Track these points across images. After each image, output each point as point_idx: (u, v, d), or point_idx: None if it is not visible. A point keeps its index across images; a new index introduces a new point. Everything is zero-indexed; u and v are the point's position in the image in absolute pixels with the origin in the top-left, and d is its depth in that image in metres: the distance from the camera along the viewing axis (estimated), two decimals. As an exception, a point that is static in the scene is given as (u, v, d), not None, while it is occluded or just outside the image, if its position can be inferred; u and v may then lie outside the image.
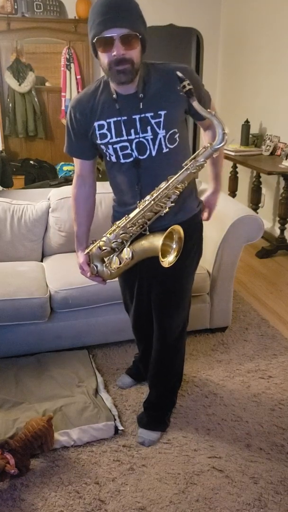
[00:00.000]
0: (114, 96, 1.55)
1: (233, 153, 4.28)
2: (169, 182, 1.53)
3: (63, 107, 5.07)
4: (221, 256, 2.57)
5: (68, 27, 4.80)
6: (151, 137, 1.56)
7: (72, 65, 4.94)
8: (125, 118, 1.55)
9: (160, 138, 1.57)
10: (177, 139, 1.62)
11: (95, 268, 1.73)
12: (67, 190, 2.85)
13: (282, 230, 4.03)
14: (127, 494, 1.75)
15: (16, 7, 4.65)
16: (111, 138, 1.58)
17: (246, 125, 4.39)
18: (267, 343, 2.70)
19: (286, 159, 3.83)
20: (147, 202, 1.56)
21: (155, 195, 1.55)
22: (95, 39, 1.42)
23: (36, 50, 5.08)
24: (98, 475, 1.83)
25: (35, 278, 2.50)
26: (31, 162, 5.00)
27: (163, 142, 1.58)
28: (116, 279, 2.03)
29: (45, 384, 2.29)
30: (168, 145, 1.59)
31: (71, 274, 2.49)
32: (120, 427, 2.03)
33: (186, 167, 1.52)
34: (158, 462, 1.89)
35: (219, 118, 1.43)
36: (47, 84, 5.23)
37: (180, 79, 1.43)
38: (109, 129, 1.57)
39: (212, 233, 2.60)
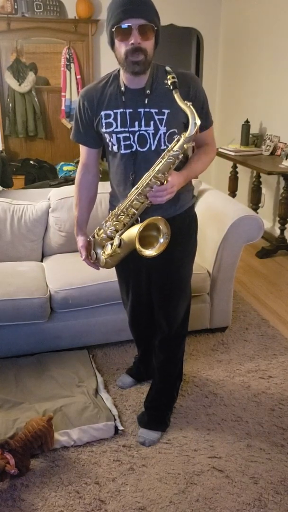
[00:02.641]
0: (122, 89, 1.64)
1: (233, 153, 4.28)
2: (149, 172, 1.59)
3: (63, 107, 5.07)
4: (221, 256, 2.57)
5: (68, 27, 4.80)
6: (153, 131, 1.63)
7: (72, 65, 4.94)
8: (131, 110, 1.63)
9: (161, 134, 1.64)
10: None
11: (94, 254, 1.78)
12: (67, 190, 2.86)
13: (282, 230, 4.03)
14: (127, 494, 1.75)
15: (16, 7, 4.65)
16: (116, 127, 1.66)
17: (246, 125, 4.38)
18: (267, 343, 2.70)
19: (286, 159, 3.83)
20: (134, 192, 1.62)
21: (139, 184, 1.61)
22: (114, 28, 1.51)
23: (36, 50, 5.08)
24: (98, 475, 1.83)
25: (35, 278, 2.50)
26: (31, 162, 5.00)
27: (162, 139, 1.64)
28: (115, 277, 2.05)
29: (45, 384, 2.29)
30: (167, 143, 1.64)
31: (71, 274, 2.49)
32: (120, 427, 2.03)
33: (161, 156, 1.57)
34: (158, 462, 1.89)
35: (193, 109, 1.51)
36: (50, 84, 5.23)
37: (167, 72, 1.54)
38: (115, 119, 1.65)
39: (212, 233, 2.60)
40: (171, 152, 1.55)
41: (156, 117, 1.62)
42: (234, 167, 4.70)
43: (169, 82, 1.52)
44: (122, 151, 1.68)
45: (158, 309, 1.95)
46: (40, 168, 4.92)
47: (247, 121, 4.39)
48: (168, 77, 1.52)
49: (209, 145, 1.78)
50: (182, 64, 6.06)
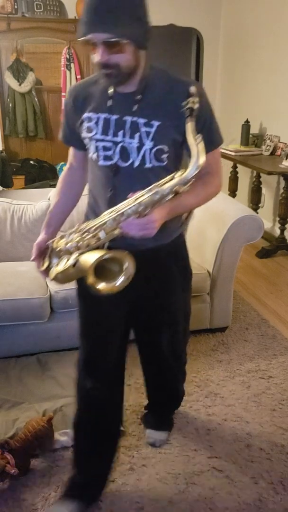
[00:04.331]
0: (110, 91, 1.40)
1: (233, 153, 4.28)
2: (130, 200, 1.30)
3: (63, 107, 5.06)
4: (221, 256, 2.57)
5: (68, 27, 4.80)
6: (137, 145, 1.38)
7: (72, 65, 4.94)
8: (116, 117, 1.40)
9: (145, 150, 1.38)
10: (165, 159, 1.40)
11: (47, 263, 1.53)
12: (67, 190, 2.86)
13: (282, 230, 4.03)
14: (127, 494, 1.75)
15: (16, 7, 4.65)
16: (96, 134, 1.42)
17: (246, 125, 4.39)
18: (267, 343, 2.70)
19: (286, 159, 3.83)
20: (107, 215, 1.35)
21: (115, 208, 1.34)
22: (78, 40, 1.29)
23: (36, 50, 5.07)
24: (98, 475, 1.83)
25: (35, 278, 2.50)
26: (31, 162, 5.00)
27: (148, 156, 1.39)
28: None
29: (45, 384, 2.29)
30: (153, 162, 1.40)
31: (71, 274, 2.49)
32: (120, 428, 2.03)
33: (149, 188, 1.29)
34: (158, 462, 1.89)
35: (200, 147, 1.25)
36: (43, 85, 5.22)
37: (190, 94, 1.27)
38: (96, 124, 1.42)
39: (212, 233, 2.60)
40: (159, 188, 1.27)
41: (143, 129, 1.37)
42: (234, 167, 4.70)
43: (186, 106, 1.26)
44: (101, 162, 1.44)
45: (155, 345, 1.77)
46: (40, 168, 4.92)
47: (247, 121, 4.39)
48: (190, 99, 1.26)
49: (211, 174, 1.46)
50: (182, 64, 6.05)
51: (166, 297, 1.64)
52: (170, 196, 1.28)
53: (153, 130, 1.36)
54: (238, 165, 4.57)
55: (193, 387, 2.32)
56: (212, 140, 1.41)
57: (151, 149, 1.38)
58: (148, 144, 1.37)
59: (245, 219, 2.53)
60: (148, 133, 1.37)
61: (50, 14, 4.76)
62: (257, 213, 4.13)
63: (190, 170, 1.24)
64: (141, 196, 1.28)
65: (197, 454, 1.93)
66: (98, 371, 1.64)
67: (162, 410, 2.05)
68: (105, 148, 1.42)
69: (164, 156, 1.39)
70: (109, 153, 1.41)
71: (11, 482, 1.79)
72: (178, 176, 1.26)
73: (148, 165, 1.39)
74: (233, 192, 4.79)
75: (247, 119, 4.40)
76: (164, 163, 1.40)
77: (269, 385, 2.34)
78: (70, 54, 4.91)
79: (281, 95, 4.17)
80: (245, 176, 4.78)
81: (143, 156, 1.39)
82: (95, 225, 1.36)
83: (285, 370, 2.46)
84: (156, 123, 1.36)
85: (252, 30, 4.58)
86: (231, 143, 4.55)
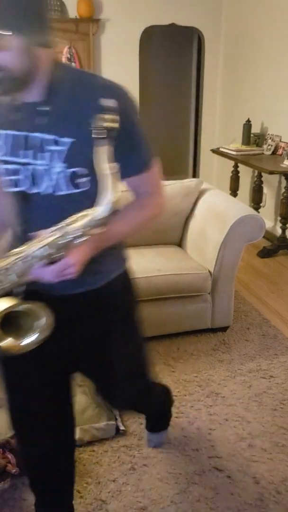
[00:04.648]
0: (17, 102, 1.13)
1: (234, 153, 4.28)
2: (35, 241, 1.06)
3: None
4: (222, 255, 2.57)
5: (69, 27, 4.79)
6: (46, 168, 1.12)
7: (73, 64, 4.94)
8: (22, 133, 1.14)
9: (57, 174, 1.12)
10: (85, 184, 1.13)
11: None
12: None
13: (284, 230, 4.03)
14: (128, 494, 1.75)
15: (17, 6, 4.65)
16: (3, 155, 1.17)
17: (248, 125, 4.38)
18: (269, 343, 2.70)
19: (287, 159, 3.83)
20: (14, 256, 1.08)
21: (21, 250, 1.08)
22: None
23: (37, 49, 5.08)
24: (99, 475, 1.83)
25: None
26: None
27: (61, 180, 1.12)
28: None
29: (46, 383, 2.28)
30: (69, 187, 1.13)
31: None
32: (121, 427, 2.03)
33: (56, 227, 1.04)
34: (159, 461, 1.89)
35: (111, 181, 0.99)
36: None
37: (104, 108, 0.99)
38: (4, 143, 1.16)
39: (214, 232, 2.60)
40: (66, 228, 1.03)
41: (52, 148, 1.10)
42: (236, 166, 4.70)
43: (103, 124, 0.98)
44: (7, 188, 1.18)
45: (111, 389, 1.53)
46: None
47: (248, 121, 4.39)
48: (102, 116, 0.98)
49: (149, 194, 1.23)
50: (183, 63, 6.06)
51: (103, 351, 1.36)
52: (83, 238, 1.04)
53: (64, 148, 1.10)
54: (239, 164, 4.56)
55: (194, 386, 2.32)
56: (142, 160, 1.17)
57: (63, 172, 1.12)
58: (59, 166, 1.11)
59: (246, 218, 2.53)
60: (58, 153, 1.10)
61: (51, 14, 4.76)
62: (259, 212, 4.12)
63: (100, 210, 1.00)
64: (47, 238, 1.04)
65: (198, 454, 1.93)
66: (31, 438, 1.41)
67: (151, 415, 1.99)
68: (11, 172, 1.16)
69: (83, 180, 1.12)
70: (16, 177, 1.16)
71: (12, 482, 1.79)
72: (89, 215, 1.01)
73: (62, 192, 1.13)
74: (234, 192, 4.78)
75: (248, 118, 4.40)
76: (85, 189, 1.14)
77: (270, 385, 2.34)
78: (71, 54, 4.90)
79: (282, 94, 4.17)
80: (246, 176, 4.78)
81: (57, 182, 1.13)
82: (3, 266, 1.09)
83: (287, 370, 2.45)
84: (68, 141, 1.09)
85: (253, 30, 4.58)
86: (232, 143, 4.55)
